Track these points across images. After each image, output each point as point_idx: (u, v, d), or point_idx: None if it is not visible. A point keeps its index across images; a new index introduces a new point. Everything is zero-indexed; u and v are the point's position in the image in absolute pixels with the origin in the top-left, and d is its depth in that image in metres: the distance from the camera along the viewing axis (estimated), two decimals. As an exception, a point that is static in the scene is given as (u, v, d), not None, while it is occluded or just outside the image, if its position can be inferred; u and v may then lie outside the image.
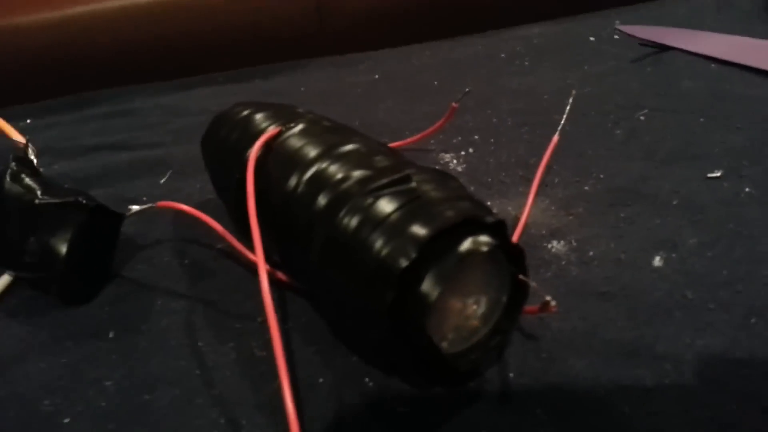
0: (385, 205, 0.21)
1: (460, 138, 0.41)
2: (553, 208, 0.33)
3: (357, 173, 0.23)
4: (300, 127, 0.29)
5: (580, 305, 0.26)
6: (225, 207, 0.34)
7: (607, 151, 0.37)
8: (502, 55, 0.54)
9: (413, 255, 0.19)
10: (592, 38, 0.55)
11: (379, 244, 0.20)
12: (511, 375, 0.24)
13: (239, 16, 0.67)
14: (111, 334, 0.28)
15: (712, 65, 0.47)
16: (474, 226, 0.21)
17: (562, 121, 0.33)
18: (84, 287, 0.31)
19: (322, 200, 0.23)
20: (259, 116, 0.31)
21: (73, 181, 0.41)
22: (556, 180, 0.35)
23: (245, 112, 0.32)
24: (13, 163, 0.31)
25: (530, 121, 0.42)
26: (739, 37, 0.51)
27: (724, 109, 0.40)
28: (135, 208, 0.31)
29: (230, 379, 0.25)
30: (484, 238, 0.20)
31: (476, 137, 0.41)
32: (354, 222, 0.21)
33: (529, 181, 0.35)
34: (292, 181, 0.26)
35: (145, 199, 0.38)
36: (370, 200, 0.22)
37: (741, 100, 0.41)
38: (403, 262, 0.19)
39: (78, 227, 0.29)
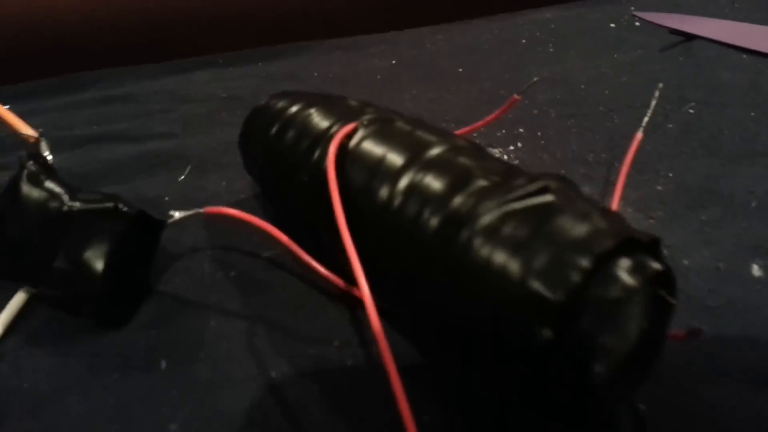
0: (522, 224, 0.19)
1: (504, 131, 0.38)
2: (629, 210, 0.30)
3: (475, 184, 0.20)
4: (374, 126, 0.25)
5: (692, 323, 0.24)
6: (275, 211, 0.30)
7: (666, 147, 0.35)
8: (523, 41, 0.52)
9: (574, 286, 0.17)
10: (612, 25, 0.53)
11: (525, 271, 0.18)
12: (641, 406, 0.22)
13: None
14: (163, 364, 0.24)
15: (744, 56, 0.46)
16: (627, 246, 0.18)
17: (646, 118, 0.31)
18: (121, 306, 0.27)
19: (432, 219, 0.20)
20: (314, 111, 0.28)
21: (75, 178, 0.36)
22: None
23: (296, 107, 0.29)
24: (30, 162, 0.27)
25: (574, 112, 0.40)
26: (763, 26, 0.50)
27: (772, 103, 0.39)
28: (177, 214, 0.27)
29: (319, 417, 0.22)
30: (649, 263, 0.18)
31: (521, 130, 0.38)
32: (487, 245, 0.19)
33: (593, 179, 0.33)
34: (383, 192, 0.22)
35: (167, 199, 0.34)
36: (499, 217, 0.19)
37: (785, 92, 0.40)
38: (562, 296, 0.17)
39: (116, 238, 0.25)
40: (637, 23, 0.53)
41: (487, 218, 0.19)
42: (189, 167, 0.37)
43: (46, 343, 0.26)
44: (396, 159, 0.23)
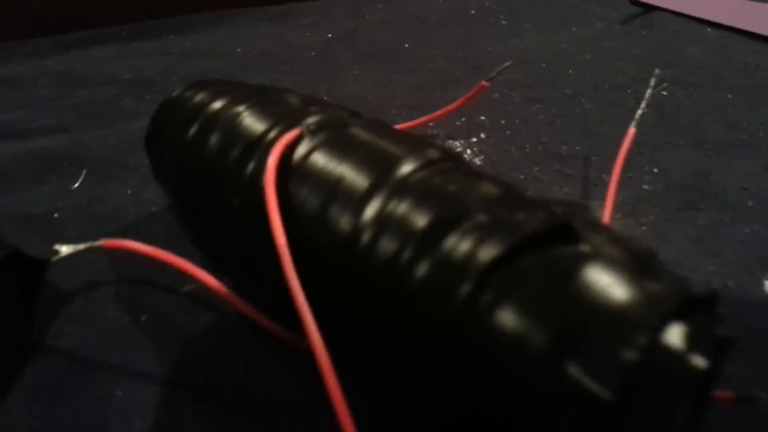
0: (546, 284, 0.14)
1: (463, 119, 0.33)
2: (618, 216, 0.26)
3: (470, 218, 0.15)
4: (324, 133, 0.20)
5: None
6: (190, 229, 0.24)
7: (645, 137, 0.31)
8: (473, 12, 0.47)
9: (627, 377, 0.12)
10: (565, -7, 0.49)
11: (562, 356, 0.13)
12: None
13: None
14: (53, 458, 0.18)
15: (708, 29, 0.43)
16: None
17: (640, 111, 0.27)
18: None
19: (418, 264, 0.15)
20: (244, 109, 0.22)
21: (-64, 189, 0.29)
22: (605, 176, 0.29)
23: (219, 102, 0.23)
24: None
25: (539, 96, 0.35)
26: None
27: (745, 83, 0.36)
28: (64, 249, 0.21)
29: None
30: (711, 332, 0.13)
31: (482, 118, 0.34)
32: (502, 312, 0.14)
33: (570, 177, 0.29)
34: (344, 223, 0.17)
35: (56, 216, 0.27)
36: (513, 273, 0.14)
37: (757, 71, 0.37)
38: (614, 393, 0.12)
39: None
40: (592, -8, 0.49)
41: (492, 271, 0.14)
42: (84, 172, 0.30)
43: None
44: (358, 179, 0.18)
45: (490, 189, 0.17)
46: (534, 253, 0.14)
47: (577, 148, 0.30)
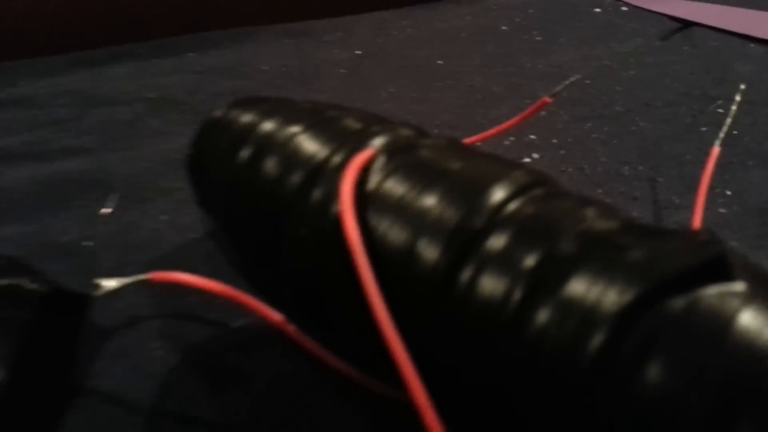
0: (701, 344, 0.12)
1: (512, 138, 0.32)
2: (697, 242, 0.24)
3: (597, 253, 0.13)
4: (398, 157, 0.18)
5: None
6: (236, 257, 0.22)
7: (707, 156, 0.30)
8: (503, 28, 0.45)
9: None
10: (597, 9, 0.48)
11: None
12: None
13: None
14: None
15: (751, 45, 0.41)
16: None
17: (725, 127, 0.25)
18: (40, 422, 0.18)
19: (538, 312, 0.13)
20: (301, 130, 0.20)
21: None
22: (677, 201, 0.27)
23: (270, 123, 0.21)
24: None
25: (588, 113, 0.34)
26: (760, 11, 0.46)
27: (802, 100, 0.34)
28: (108, 284, 0.19)
29: None
30: None
31: (532, 137, 0.32)
32: (652, 377, 0.12)
33: (638, 200, 0.27)
34: (437, 260, 0.15)
35: (85, 245, 0.25)
36: (657, 324, 0.12)
37: (811, 87, 0.36)
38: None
39: (20, 329, 0.17)
40: (624, 8, 0.48)
41: (630, 321, 0.12)
42: (115, 197, 0.28)
43: None
44: (448, 210, 0.16)
45: (605, 216, 0.15)
46: (680, 294, 0.12)
47: (640, 168, 0.29)
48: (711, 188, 0.27)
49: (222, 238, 0.25)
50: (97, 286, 0.19)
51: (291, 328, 0.19)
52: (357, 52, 0.42)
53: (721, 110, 0.33)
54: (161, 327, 0.22)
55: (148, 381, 0.20)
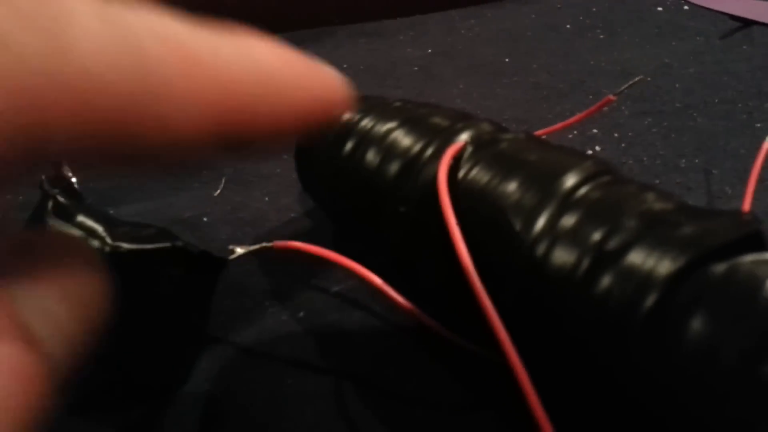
0: (737, 300, 0.15)
1: (575, 132, 0.34)
2: (747, 229, 0.27)
3: (652, 229, 0.16)
4: (483, 149, 0.21)
5: None
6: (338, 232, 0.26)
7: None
8: (567, 26, 0.48)
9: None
10: (659, 8, 0.50)
11: (759, 365, 0.14)
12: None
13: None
14: (242, 439, 0.20)
15: (812, 43, 0.42)
16: None
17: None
18: (179, 363, 0.22)
19: (603, 278, 0.16)
20: (396, 127, 0.23)
21: (94, 196, 0.31)
22: (730, 191, 0.29)
23: (369, 120, 0.24)
24: (56, 191, 0.22)
25: (648, 109, 0.36)
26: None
27: None
28: (239, 249, 0.23)
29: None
30: None
31: (595, 131, 0.34)
32: (696, 327, 0.15)
33: (692, 190, 0.30)
34: (518, 235, 0.18)
35: (206, 220, 0.30)
36: (701, 285, 0.15)
37: None
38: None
39: (175, 284, 0.21)
40: (686, 7, 0.49)
41: (679, 282, 0.15)
42: (224, 179, 0.32)
43: (92, 413, 0.21)
44: (527, 194, 0.19)
45: (660, 200, 0.18)
46: (721, 261, 0.15)
47: (696, 161, 0.31)
48: (761, 179, 0.30)
49: (317, 216, 0.29)
50: (232, 251, 0.23)
51: (388, 289, 0.22)
52: (428, 50, 0.46)
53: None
54: (273, 289, 0.26)
55: (266, 333, 0.24)
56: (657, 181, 0.30)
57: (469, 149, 0.21)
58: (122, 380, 0.22)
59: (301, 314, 0.24)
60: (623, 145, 0.33)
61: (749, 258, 0.15)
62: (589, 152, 0.33)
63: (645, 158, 0.32)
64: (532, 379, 0.16)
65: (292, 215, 0.30)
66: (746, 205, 0.25)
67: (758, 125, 0.34)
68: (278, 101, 0.11)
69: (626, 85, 0.28)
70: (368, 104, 0.26)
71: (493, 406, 0.20)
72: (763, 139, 0.31)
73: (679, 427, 0.15)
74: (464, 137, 0.22)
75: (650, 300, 0.15)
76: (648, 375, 0.15)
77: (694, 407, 0.15)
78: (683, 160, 0.31)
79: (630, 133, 0.34)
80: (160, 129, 0.09)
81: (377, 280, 0.22)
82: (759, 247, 0.15)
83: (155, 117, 0.09)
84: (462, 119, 0.24)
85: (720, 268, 0.15)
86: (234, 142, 0.10)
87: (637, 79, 0.29)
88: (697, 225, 0.16)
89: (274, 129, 0.11)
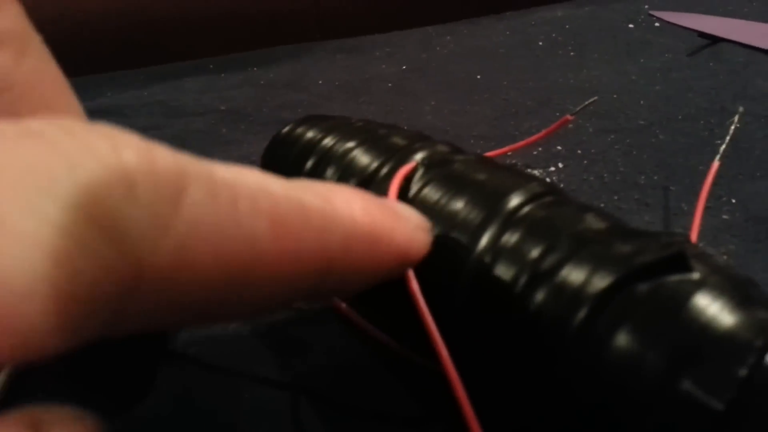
0: (659, 309, 0.15)
1: (540, 149, 0.35)
2: (700, 244, 0.28)
3: (584, 247, 0.17)
4: (434, 169, 0.22)
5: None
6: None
7: (721, 168, 0.32)
8: (540, 43, 0.49)
9: (735, 390, 0.14)
10: (630, 25, 0.51)
11: (675, 371, 0.14)
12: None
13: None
14: (196, 452, 0.21)
15: (777, 60, 0.44)
16: None
17: (724, 145, 0.28)
18: (138, 379, 0.23)
19: (534, 289, 0.17)
20: (356, 145, 0.24)
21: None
22: (686, 208, 0.30)
23: (330, 139, 0.25)
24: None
25: (612, 127, 0.37)
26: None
27: (819, 115, 0.37)
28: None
29: None
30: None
31: (559, 148, 0.35)
32: (618, 333, 0.15)
33: (649, 206, 0.30)
34: (456, 247, 0.19)
35: (174, 236, 0.30)
36: (627, 299, 0.16)
37: (830, 103, 0.38)
38: (723, 402, 0.14)
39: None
40: (657, 24, 0.51)
41: (607, 298, 0.16)
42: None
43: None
44: (472, 213, 0.20)
45: (597, 220, 0.19)
46: (648, 280, 0.16)
47: (655, 178, 0.32)
48: (718, 196, 0.31)
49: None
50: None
51: (343, 307, 0.23)
52: (403, 66, 0.47)
53: (738, 125, 0.36)
54: (237, 305, 0.26)
55: (227, 348, 0.24)
56: (615, 198, 0.31)
57: (421, 169, 0.22)
58: (83, 394, 0.22)
59: (261, 330, 0.25)
60: (585, 162, 0.34)
61: (673, 278, 0.16)
62: (552, 169, 0.33)
63: (605, 175, 0.33)
64: (473, 391, 0.17)
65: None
66: (695, 224, 0.25)
67: (718, 142, 0.35)
68: (365, 262, 0.12)
69: (582, 106, 0.29)
70: (331, 124, 0.26)
71: (444, 418, 0.21)
72: (723, 154, 0.32)
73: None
74: (419, 157, 0.23)
75: (580, 315, 0.16)
76: (575, 388, 0.16)
77: (619, 420, 0.15)
78: (643, 177, 0.32)
79: (593, 150, 0.35)
80: (254, 290, 0.10)
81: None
82: (682, 267, 0.16)
83: (250, 281, 0.10)
84: (419, 140, 0.24)
85: (644, 286, 0.16)
86: (324, 288, 0.12)
87: (592, 99, 0.29)
88: (627, 245, 0.17)
89: (355, 283, 0.13)
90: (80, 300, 0.08)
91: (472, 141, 0.37)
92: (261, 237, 0.10)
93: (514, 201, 0.20)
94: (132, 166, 0.09)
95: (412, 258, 0.14)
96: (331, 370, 0.23)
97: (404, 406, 0.22)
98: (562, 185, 0.32)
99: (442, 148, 0.24)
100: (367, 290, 0.22)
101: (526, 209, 0.19)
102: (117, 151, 0.09)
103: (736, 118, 0.29)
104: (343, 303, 0.23)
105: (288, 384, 0.23)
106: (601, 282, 0.16)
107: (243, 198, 0.10)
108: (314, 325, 0.25)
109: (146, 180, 0.09)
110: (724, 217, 0.29)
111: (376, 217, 0.13)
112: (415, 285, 0.18)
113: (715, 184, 0.31)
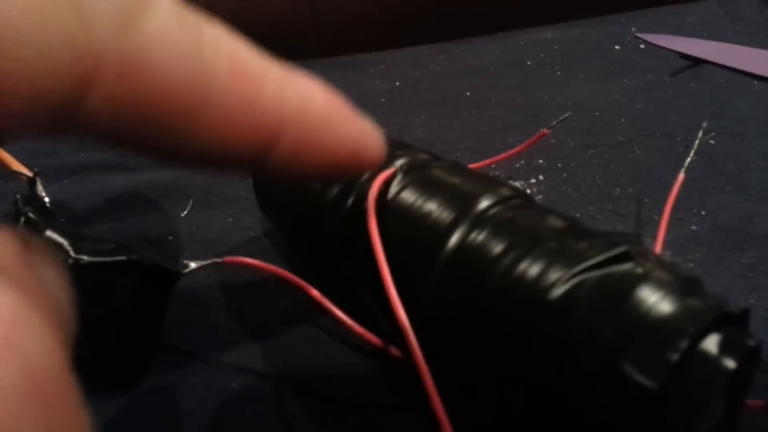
0: (606, 297, 0.17)
1: (522, 162, 0.37)
2: (668, 253, 0.29)
3: (540, 245, 0.19)
4: (412, 174, 0.23)
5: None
6: (289, 251, 0.28)
7: (693, 182, 0.34)
8: (528, 63, 0.51)
9: (668, 371, 0.15)
10: (617, 47, 0.53)
11: (615, 353, 0.16)
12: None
13: (224, 8, 0.60)
14: (184, 436, 0.22)
15: (755, 82, 0.45)
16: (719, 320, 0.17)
17: (689, 158, 0.30)
18: (133, 366, 0.24)
19: (494, 282, 0.19)
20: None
21: (68, 214, 0.34)
22: (655, 216, 0.31)
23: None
24: (27, 209, 0.24)
25: (593, 142, 0.39)
26: (765, 51, 0.50)
27: (790, 133, 0.38)
28: (192, 264, 0.25)
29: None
30: (743, 339, 0.16)
31: (541, 161, 0.37)
32: (564, 318, 0.17)
33: (623, 217, 0.32)
34: (429, 245, 0.20)
35: (171, 238, 0.32)
36: (574, 286, 0.17)
37: (802, 122, 0.40)
38: (658, 382, 0.15)
39: (130, 294, 0.23)
40: (642, 45, 0.52)
41: (560, 289, 0.17)
42: (191, 201, 0.34)
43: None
44: (444, 214, 0.21)
45: (557, 222, 0.20)
46: (596, 274, 0.17)
47: (630, 190, 0.33)
48: (689, 208, 0.32)
49: (275, 237, 0.32)
50: (186, 266, 0.25)
51: (324, 300, 0.24)
52: (396, 83, 0.48)
53: (712, 141, 0.38)
54: (225, 302, 0.28)
55: (217, 341, 0.26)
56: (591, 209, 0.32)
57: (400, 174, 0.23)
58: (85, 377, 0.24)
59: (251, 325, 0.26)
60: (565, 174, 0.35)
61: (620, 272, 0.17)
62: (533, 180, 0.35)
63: (583, 187, 0.34)
64: (440, 375, 0.18)
65: (252, 234, 0.32)
66: (661, 234, 0.27)
67: (693, 158, 0.36)
68: (316, 139, 0.12)
69: (558, 120, 0.31)
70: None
71: (417, 407, 0.22)
72: (696, 170, 0.33)
73: (554, 419, 0.17)
74: (399, 163, 0.24)
75: (535, 305, 0.18)
76: (529, 372, 0.17)
77: (567, 398, 0.17)
78: (618, 189, 0.34)
79: (572, 164, 0.36)
80: (200, 134, 0.10)
81: (315, 292, 0.24)
82: (629, 262, 0.18)
83: (198, 122, 0.10)
84: (402, 148, 0.26)
85: (594, 279, 0.17)
86: (269, 164, 0.11)
87: (567, 114, 0.31)
88: (580, 243, 0.19)
89: (303, 161, 0.12)
90: (45, 58, 0.08)
91: (458, 153, 0.38)
92: (219, 72, 0.10)
93: (483, 203, 0.21)
94: None
95: (366, 157, 0.13)
96: (313, 362, 0.25)
97: (380, 395, 0.23)
98: (541, 196, 0.34)
99: (422, 155, 0.25)
100: (349, 287, 0.24)
101: (493, 211, 0.21)
102: None
103: (700, 133, 0.30)
104: (326, 299, 0.24)
105: (272, 375, 0.24)
106: (554, 275, 0.18)
107: (208, 33, 0.10)
108: (298, 321, 0.26)
109: None
110: (693, 227, 0.31)
111: (334, 100, 0.13)
112: (387, 272, 0.20)
113: (687, 196, 0.33)
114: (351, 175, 0.13)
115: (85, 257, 0.23)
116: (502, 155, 0.33)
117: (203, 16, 0.10)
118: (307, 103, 0.12)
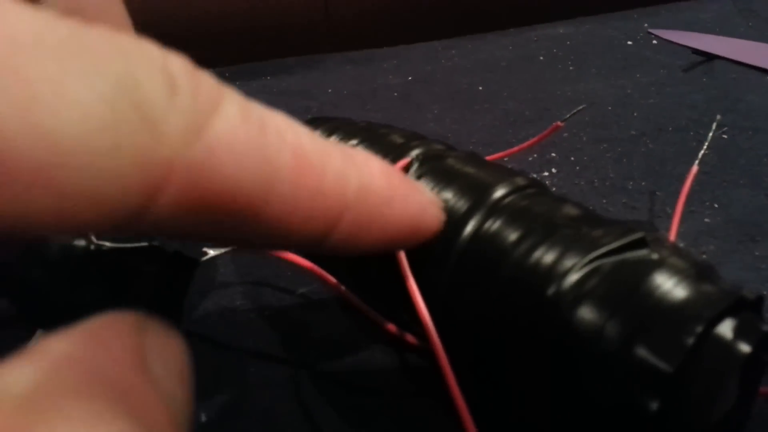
0: (620, 283, 0.17)
1: (535, 155, 0.37)
2: (681, 244, 0.29)
3: (556, 233, 0.19)
4: (428, 163, 0.24)
5: None
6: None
7: (706, 176, 0.34)
8: (541, 58, 0.51)
9: (684, 355, 0.16)
10: (629, 42, 0.53)
11: (629, 337, 0.16)
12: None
13: (238, 4, 0.60)
14: (203, 418, 0.23)
15: (767, 77, 0.45)
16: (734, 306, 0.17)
17: (702, 151, 0.30)
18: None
19: (509, 270, 0.19)
20: (358, 143, 0.26)
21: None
22: (668, 209, 0.32)
23: (336, 137, 0.27)
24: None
25: (605, 136, 0.39)
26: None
27: (804, 128, 0.38)
28: (211, 252, 0.26)
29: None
30: (757, 324, 0.17)
31: (554, 155, 0.37)
32: (581, 304, 0.17)
33: (636, 209, 0.32)
34: (445, 232, 0.21)
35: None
36: (588, 273, 0.18)
37: (816, 117, 0.40)
38: (673, 365, 0.16)
39: (151, 280, 0.23)
40: (655, 41, 0.52)
41: (575, 275, 0.18)
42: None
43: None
44: (460, 202, 0.21)
45: (572, 210, 0.20)
46: (611, 260, 0.18)
47: (643, 183, 0.34)
48: (702, 201, 0.32)
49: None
50: (204, 253, 0.26)
51: (341, 288, 0.25)
52: (409, 77, 0.49)
53: (725, 136, 0.38)
54: (244, 290, 0.28)
55: (236, 328, 0.26)
56: (604, 201, 0.33)
57: (416, 164, 0.24)
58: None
59: (267, 312, 0.27)
60: (578, 168, 0.36)
61: (634, 257, 0.18)
62: (546, 173, 0.35)
63: (596, 180, 0.34)
64: (460, 367, 0.19)
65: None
66: (674, 225, 0.27)
67: (706, 152, 0.36)
68: (375, 219, 0.12)
69: (571, 113, 0.31)
70: (336, 124, 0.28)
71: (431, 394, 0.23)
72: (708, 164, 0.34)
73: (569, 403, 0.17)
74: (414, 153, 0.25)
75: (551, 290, 0.18)
76: (546, 354, 0.18)
77: (581, 379, 0.17)
78: (631, 183, 0.34)
79: (585, 158, 0.37)
80: (263, 225, 0.11)
81: (333, 280, 0.25)
82: (644, 249, 0.18)
83: (262, 214, 0.10)
84: (416, 139, 0.26)
85: (609, 265, 0.18)
86: (329, 244, 0.12)
87: (581, 107, 0.31)
88: (595, 230, 0.19)
89: (362, 240, 0.12)
90: (115, 174, 0.08)
91: (471, 147, 0.39)
92: (283, 166, 0.10)
93: (499, 192, 0.22)
94: (177, 72, 0.10)
95: (425, 230, 0.13)
96: (330, 348, 0.25)
97: (397, 381, 0.23)
98: (554, 189, 0.34)
99: (436, 146, 0.26)
100: (366, 276, 0.24)
101: (508, 199, 0.21)
102: (166, 59, 0.10)
103: (714, 126, 0.30)
104: (343, 286, 0.25)
105: (290, 360, 0.25)
106: (569, 261, 0.18)
107: (271, 127, 0.11)
108: (315, 308, 0.27)
109: (187, 86, 0.10)
110: (706, 220, 0.31)
111: (392, 179, 0.13)
112: (404, 262, 0.20)
113: (701, 190, 0.33)
114: (410, 247, 0.14)
115: (107, 243, 0.23)
116: (515, 148, 0.33)
117: (264, 108, 0.11)
118: (366, 185, 0.12)
